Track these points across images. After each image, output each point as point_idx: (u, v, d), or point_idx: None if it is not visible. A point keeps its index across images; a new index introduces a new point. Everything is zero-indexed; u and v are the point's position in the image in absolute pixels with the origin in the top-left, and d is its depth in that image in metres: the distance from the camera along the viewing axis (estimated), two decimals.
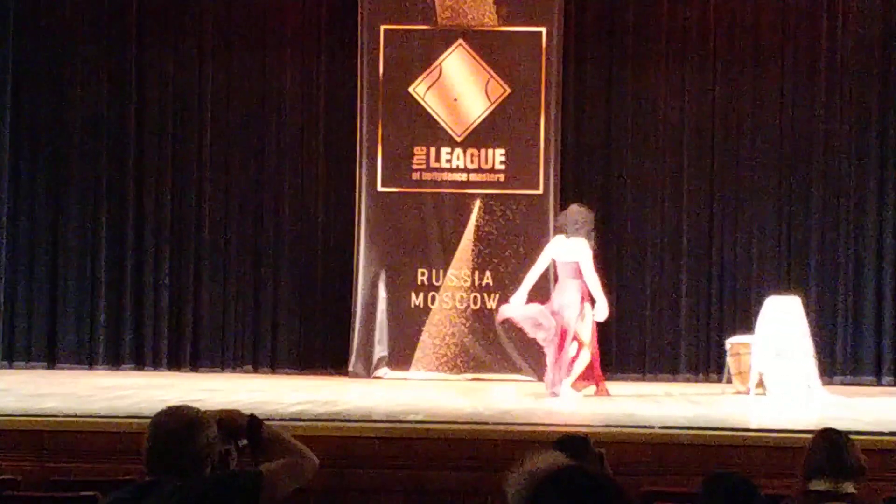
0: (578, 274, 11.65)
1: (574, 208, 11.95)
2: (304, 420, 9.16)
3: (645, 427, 9.10)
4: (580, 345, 11.67)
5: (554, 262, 11.93)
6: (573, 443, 5.72)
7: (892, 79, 13.78)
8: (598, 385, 11.77)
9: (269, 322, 14.03)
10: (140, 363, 13.95)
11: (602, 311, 11.71)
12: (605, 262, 13.89)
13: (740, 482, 4.60)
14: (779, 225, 13.85)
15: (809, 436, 5.90)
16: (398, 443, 8.70)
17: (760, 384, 12.01)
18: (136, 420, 8.40)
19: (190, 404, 4.36)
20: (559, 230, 11.94)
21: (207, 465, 4.20)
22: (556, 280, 12.06)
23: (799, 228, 13.84)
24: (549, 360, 11.70)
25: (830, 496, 5.31)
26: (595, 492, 2.66)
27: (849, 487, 5.48)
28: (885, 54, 13.79)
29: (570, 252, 11.71)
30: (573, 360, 11.64)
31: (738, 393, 12.17)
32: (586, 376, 11.74)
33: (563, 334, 11.59)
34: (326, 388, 12.01)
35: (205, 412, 4.31)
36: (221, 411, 4.38)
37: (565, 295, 11.67)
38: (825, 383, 12.28)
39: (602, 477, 2.71)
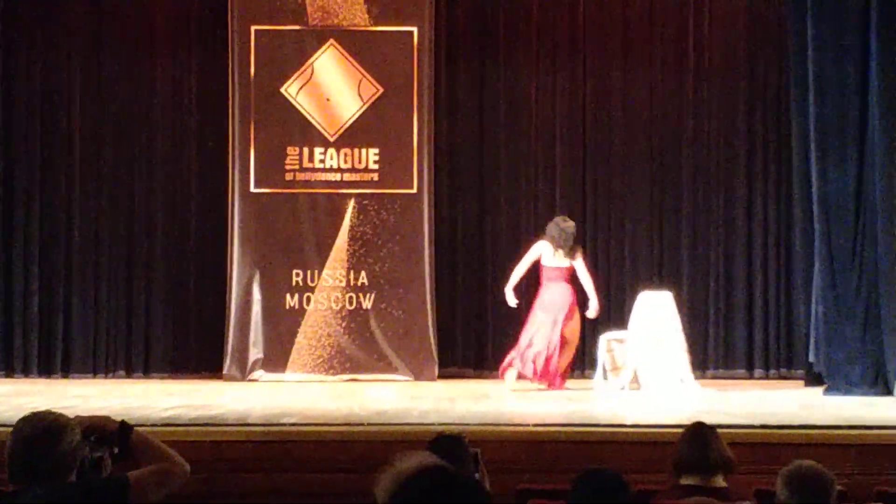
0: (568, 278, 12.34)
1: (560, 222, 12.48)
2: (177, 425, 9.07)
3: (520, 425, 9.14)
4: (564, 343, 12.30)
5: (541, 266, 12.47)
6: (447, 442, 5.72)
7: (759, 74, 13.98)
8: (552, 381, 12.34)
9: (142, 326, 13.86)
10: (10, 370, 13.68)
11: (595, 308, 12.40)
12: (481, 260, 13.98)
13: (611, 478, 4.61)
14: (650, 221, 14.00)
15: (682, 430, 5.96)
16: (273, 446, 8.65)
17: (634, 379, 12.12)
18: (2, 429, 8.23)
19: (60, 411, 4.29)
20: (548, 239, 12.45)
21: (72, 471, 4.13)
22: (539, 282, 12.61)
23: (670, 224, 14.00)
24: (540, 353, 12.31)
25: (700, 490, 5.36)
26: (456, 491, 2.68)
27: (718, 481, 5.54)
28: (751, 50, 13.99)
29: (561, 258, 12.38)
30: (555, 356, 12.30)
31: (613, 388, 12.26)
32: (544, 373, 12.33)
33: (553, 333, 12.31)
34: (200, 392, 11.90)
35: (71, 418, 4.24)
36: (91, 417, 4.31)
37: (555, 296, 12.35)
38: (698, 377, 12.45)
39: (463, 477, 2.72)
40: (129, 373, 13.76)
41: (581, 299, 12.50)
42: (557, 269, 12.40)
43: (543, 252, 12.45)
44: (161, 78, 13.98)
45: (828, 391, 11.86)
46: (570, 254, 12.39)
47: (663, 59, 14.05)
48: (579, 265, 12.40)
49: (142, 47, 13.97)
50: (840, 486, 5.28)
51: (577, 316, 12.45)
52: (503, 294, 13.55)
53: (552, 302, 12.35)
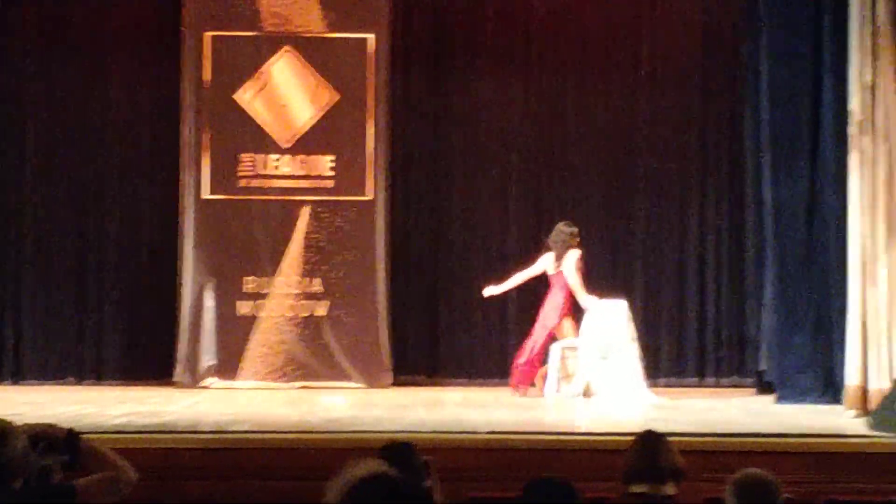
0: (562, 285, 12.53)
1: (557, 227, 12.75)
2: (127, 432, 9.03)
3: (471, 432, 9.14)
4: (543, 350, 12.58)
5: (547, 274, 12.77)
6: (398, 450, 5.70)
7: (712, 83, 14.03)
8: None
9: (94, 333, 13.78)
10: None
11: (585, 303, 12.48)
12: (435, 267, 13.97)
13: (560, 486, 4.62)
14: (604, 228, 14.02)
15: (633, 438, 5.97)
16: (224, 454, 8.62)
17: (587, 387, 12.15)
18: None
19: (10, 418, 4.29)
20: (549, 248, 12.73)
21: (18, 478, 4.11)
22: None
23: (623, 232, 14.03)
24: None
25: (650, 499, 5.37)
26: (403, 499, 2.70)
27: (668, 489, 5.54)
28: (705, 60, 14.05)
29: (555, 266, 12.59)
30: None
31: (566, 396, 12.27)
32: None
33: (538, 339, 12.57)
34: (152, 399, 11.84)
35: (18, 425, 4.23)
36: (39, 425, 4.30)
37: (547, 305, 12.62)
38: (650, 385, 12.46)
39: (411, 485, 2.74)
40: (80, 379, 13.67)
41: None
42: (552, 277, 12.62)
43: (547, 263, 12.66)
44: (114, 84, 13.92)
45: (778, 399, 11.93)
46: (560, 259, 12.55)
47: (618, 69, 14.09)
48: (565, 268, 12.51)
49: (95, 53, 13.90)
50: (789, 493, 5.31)
51: (564, 325, 12.53)
52: (457, 301, 13.67)
53: (543, 310, 12.60)
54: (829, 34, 11.64)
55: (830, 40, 11.64)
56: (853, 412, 10.69)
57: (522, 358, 12.60)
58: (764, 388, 12.59)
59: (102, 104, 13.91)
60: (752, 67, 12.57)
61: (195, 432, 9.20)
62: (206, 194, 13.54)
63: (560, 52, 14.08)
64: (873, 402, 10.46)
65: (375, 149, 13.61)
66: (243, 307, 13.47)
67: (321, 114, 13.68)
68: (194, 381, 13.27)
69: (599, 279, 13.69)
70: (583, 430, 9.93)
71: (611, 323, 12.21)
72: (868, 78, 10.99)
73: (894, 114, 10.88)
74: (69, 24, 13.87)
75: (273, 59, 13.66)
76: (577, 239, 12.67)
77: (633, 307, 12.88)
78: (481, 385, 13.58)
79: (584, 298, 12.46)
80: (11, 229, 13.78)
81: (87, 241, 13.85)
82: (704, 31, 14.05)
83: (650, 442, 5.66)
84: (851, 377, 10.94)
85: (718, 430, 9.39)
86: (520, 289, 13.92)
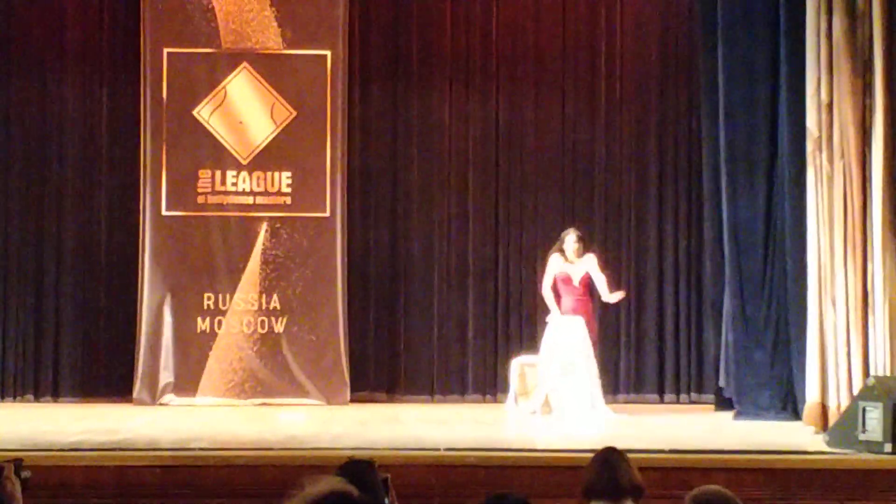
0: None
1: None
2: (85, 449, 8.97)
3: (431, 449, 9.13)
4: None
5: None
6: (357, 467, 5.69)
7: (670, 102, 14.07)
8: None
9: (51, 349, 13.67)
10: None
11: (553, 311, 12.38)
12: (394, 283, 13.95)
13: (519, 503, 4.60)
14: None
15: (592, 455, 5.97)
16: (182, 471, 8.58)
17: (546, 403, 12.15)
18: None
19: None
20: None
21: None
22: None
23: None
24: None
25: None
26: None
27: None
28: (663, 78, 14.08)
29: None
30: None
31: (524, 412, 12.27)
32: None
33: None
34: (110, 417, 11.79)
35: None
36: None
37: None
38: (609, 402, 12.48)
39: (368, 502, 2.73)
40: (38, 397, 13.57)
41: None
42: None
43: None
44: (72, 100, 13.84)
45: (738, 416, 11.96)
46: None
47: (576, 85, 14.11)
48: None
49: (53, 69, 13.82)
50: None
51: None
52: (416, 318, 13.67)
53: None
54: (787, 50, 11.68)
55: (787, 58, 11.69)
56: (813, 428, 10.73)
57: None
58: (723, 404, 12.61)
59: (60, 120, 13.83)
60: (709, 85, 12.59)
61: (153, 450, 9.15)
62: (164, 210, 13.48)
63: (518, 68, 14.09)
64: (832, 419, 10.49)
65: (333, 165, 13.60)
66: (202, 324, 13.42)
67: (279, 130, 13.65)
68: (153, 398, 13.21)
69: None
70: (542, 446, 9.93)
71: (571, 338, 12.20)
72: (824, 94, 11.04)
73: (850, 130, 10.93)
74: (27, 39, 13.79)
75: (231, 75, 13.63)
76: (574, 242, 12.53)
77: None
78: (440, 402, 13.57)
79: (551, 304, 12.44)
80: None
81: (44, 257, 13.75)
82: (662, 46, 14.09)
83: (609, 458, 5.66)
84: (811, 393, 10.98)
85: (678, 447, 9.41)
86: (475, 303, 13.95)
